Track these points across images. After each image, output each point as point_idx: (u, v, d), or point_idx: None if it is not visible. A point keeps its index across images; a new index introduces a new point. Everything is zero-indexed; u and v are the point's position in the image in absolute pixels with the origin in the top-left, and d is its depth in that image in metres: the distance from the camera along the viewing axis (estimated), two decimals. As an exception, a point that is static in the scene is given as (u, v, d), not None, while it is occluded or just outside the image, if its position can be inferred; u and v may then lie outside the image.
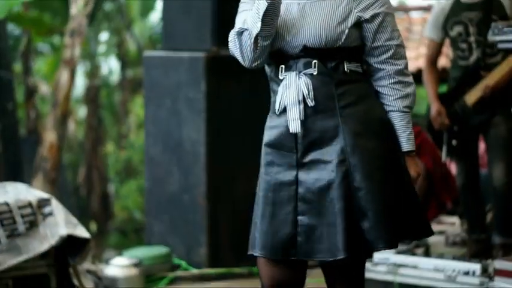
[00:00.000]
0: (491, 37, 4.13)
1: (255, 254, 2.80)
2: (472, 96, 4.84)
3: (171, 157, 5.48)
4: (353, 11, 2.72)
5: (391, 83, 2.77)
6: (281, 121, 2.76)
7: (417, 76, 8.92)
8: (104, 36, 17.73)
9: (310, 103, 2.69)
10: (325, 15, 2.70)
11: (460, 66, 4.91)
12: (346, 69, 2.72)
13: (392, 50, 2.76)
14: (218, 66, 5.33)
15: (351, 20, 2.71)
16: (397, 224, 2.69)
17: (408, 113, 2.78)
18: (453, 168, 5.66)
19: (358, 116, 2.71)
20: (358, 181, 2.67)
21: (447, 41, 5.07)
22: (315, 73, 2.70)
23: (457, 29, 4.87)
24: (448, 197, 5.54)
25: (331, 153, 2.69)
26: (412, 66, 9.94)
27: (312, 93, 2.69)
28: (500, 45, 4.19)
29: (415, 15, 11.18)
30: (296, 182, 2.73)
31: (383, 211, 2.66)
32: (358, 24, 2.74)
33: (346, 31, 2.70)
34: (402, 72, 2.78)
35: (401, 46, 2.79)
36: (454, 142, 4.92)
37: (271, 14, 2.64)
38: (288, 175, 2.74)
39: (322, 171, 2.69)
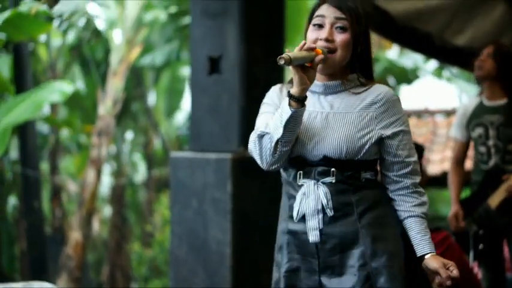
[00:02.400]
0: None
1: None
2: (495, 199, 4.84)
3: (196, 257, 5.48)
4: (375, 128, 2.78)
5: (409, 192, 2.83)
6: (300, 227, 2.80)
7: (443, 179, 8.94)
8: (130, 135, 17.95)
9: (330, 213, 2.74)
10: (348, 128, 2.75)
11: (481, 170, 4.92)
12: (362, 178, 2.78)
13: (411, 167, 2.83)
14: (244, 168, 5.37)
15: (373, 137, 2.77)
16: None
17: (425, 219, 2.84)
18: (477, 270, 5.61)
19: (374, 221, 2.77)
20: (383, 283, 2.71)
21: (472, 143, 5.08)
22: (333, 181, 2.75)
23: (478, 131, 4.90)
24: (475, 301, 5.47)
25: (351, 257, 2.74)
26: (437, 168, 9.99)
27: (330, 203, 2.74)
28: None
29: (439, 118, 11.26)
30: (320, 287, 2.78)
31: None
32: (380, 140, 2.80)
33: (366, 146, 2.76)
34: (418, 185, 2.85)
35: (417, 163, 2.87)
36: (481, 246, 4.89)
37: (294, 122, 2.68)
38: (312, 280, 2.79)
39: (344, 276, 2.75)
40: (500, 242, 5.01)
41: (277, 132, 2.69)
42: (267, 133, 2.72)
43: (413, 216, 2.81)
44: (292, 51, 2.67)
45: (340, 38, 2.75)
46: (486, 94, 4.90)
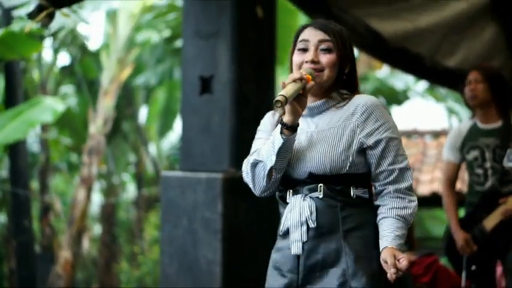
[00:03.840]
0: (507, 163, 4.16)
1: None
2: (490, 221, 4.84)
3: (186, 277, 5.47)
4: (357, 137, 2.75)
5: (391, 197, 2.76)
6: (284, 243, 2.81)
7: (431, 199, 8.96)
8: (120, 154, 17.92)
9: (312, 224, 2.73)
10: (330, 143, 2.75)
11: (476, 192, 4.92)
12: (352, 194, 2.76)
13: (396, 173, 2.77)
14: (235, 187, 5.38)
15: (354, 147, 2.75)
16: None
17: (401, 221, 2.75)
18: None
19: (359, 241, 2.74)
20: None
21: (463, 165, 5.09)
22: (321, 196, 2.74)
23: (473, 154, 4.90)
24: (467, 324, 5.48)
25: (332, 275, 2.73)
26: (426, 189, 9.99)
27: (314, 215, 2.73)
28: (516, 172, 4.23)
29: (428, 139, 11.30)
30: None
31: None
32: (363, 150, 2.77)
33: (351, 158, 2.74)
34: (403, 191, 2.78)
35: (405, 169, 2.79)
36: (473, 267, 4.89)
37: (285, 149, 2.70)
38: None
39: None
40: (493, 264, 5.02)
41: (270, 160, 2.71)
42: (260, 161, 2.75)
43: (387, 217, 2.75)
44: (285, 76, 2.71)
45: (325, 58, 2.78)
46: (480, 118, 4.89)
